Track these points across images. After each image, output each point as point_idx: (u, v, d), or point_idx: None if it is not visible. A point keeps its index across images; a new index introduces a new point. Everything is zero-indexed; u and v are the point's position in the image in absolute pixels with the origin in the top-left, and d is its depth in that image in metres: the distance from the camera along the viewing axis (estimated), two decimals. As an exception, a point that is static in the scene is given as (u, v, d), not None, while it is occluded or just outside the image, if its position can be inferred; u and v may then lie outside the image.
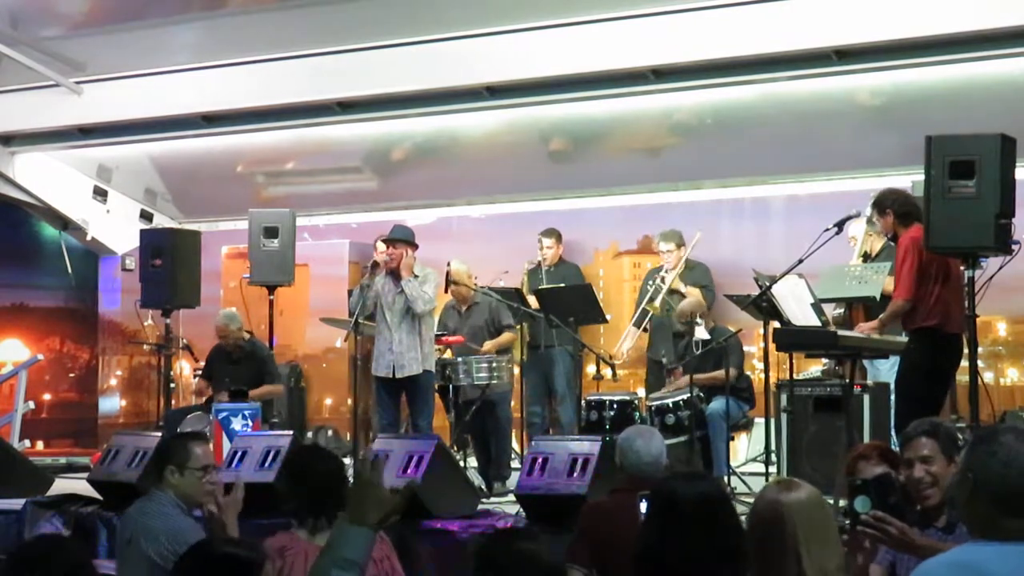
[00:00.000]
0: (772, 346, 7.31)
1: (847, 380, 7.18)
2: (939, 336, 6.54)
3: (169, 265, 9.46)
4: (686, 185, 10.53)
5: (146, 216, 12.49)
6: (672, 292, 9.43)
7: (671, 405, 8.14)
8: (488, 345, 8.77)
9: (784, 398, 7.63)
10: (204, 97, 10.66)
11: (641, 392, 9.36)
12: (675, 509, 3.05)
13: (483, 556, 3.09)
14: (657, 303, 9.39)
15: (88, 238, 12.41)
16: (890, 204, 6.79)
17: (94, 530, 7.33)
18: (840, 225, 7.18)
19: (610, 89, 9.50)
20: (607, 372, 8.75)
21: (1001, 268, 6.61)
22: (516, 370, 9.14)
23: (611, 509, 5.11)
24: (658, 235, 9.77)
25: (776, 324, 7.30)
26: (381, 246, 8.76)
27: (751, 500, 7.19)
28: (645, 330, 9.58)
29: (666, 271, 9.52)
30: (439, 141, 11.02)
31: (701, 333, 8.49)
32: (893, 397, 7.29)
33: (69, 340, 13.16)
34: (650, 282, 9.70)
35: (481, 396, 8.41)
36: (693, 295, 9.19)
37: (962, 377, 7.21)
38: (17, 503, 7.72)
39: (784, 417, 7.61)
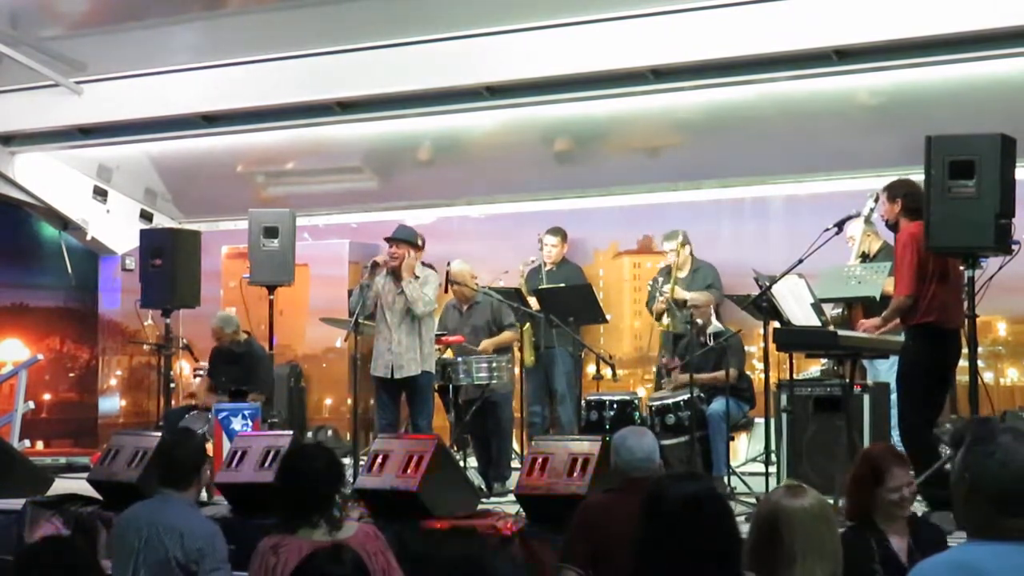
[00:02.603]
0: (772, 346, 7.30)
1: (847, 380, 7.18)
2: (938, 332, 6.53)
3: (169, 265, 9.46)
4: (686, 185, 10.53)
5: (146, 216, 12.49)
6: (679, 303, 9.37)
7: (671, 405, 8.14)
8: (486, 343, 8.74)
9: (784, 398, 7.62)
10: (204, 97, 10.67)
11: (641, 392, 9.35)
12: (664, 508, 3.05)
13: None
14: (666, 320, 9.32)
15: (88, 238, 12.41)
16: (902, 194, 6.77)
17: (94, 530, 7.33)
18: (840, 225, 7.17)
19: (610, 89, 9.50)
20: (607, 372, 8.75)
21: (1001, 268, 6.60)
22: (517, 370, 9.14)
23: (605, 508, 5.10)
24: (662, 236, 9.73)
25: (776, 324, 7.29)
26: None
27: (751, 500, 7.25)
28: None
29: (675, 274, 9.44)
30: (439, 141, 11.02)
31: (716, 325, 8.50)
32: (894, 396, 7.29)
33: (69, 340, 13.16)
34: (656, 286, 9.61)
35: (481, 396, 8.41)
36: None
37: (962, 377, 7.21)
38: (17, 503, 7.73)
39: (784, 417, 7.60)
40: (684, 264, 9.47)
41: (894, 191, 6.83)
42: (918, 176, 6.66)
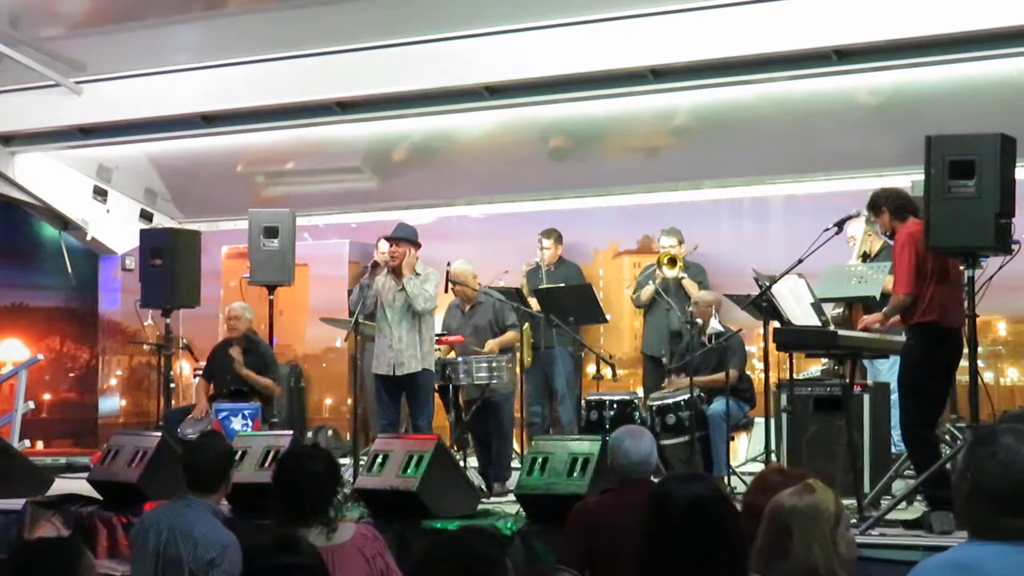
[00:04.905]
0: (772, 346, 7.30)
1: (847, 380, 7.18)
2: (938, 331, 6.53)
3: (169, 265, 9.46)
4: (686, 185, 10.54)
5: (146, 216, 12.49)
6: (678, 286, 9.40)
7: (671, 405, 8.13)
8: (491, 344, 8.74)
9: (784, 398, 7.62)
10: (204, 97, 10.67)
11: (641, 392, 9.34)
12: (668, 510, 3.04)
13: None
14: (650, 288, 9.31)
15: (88, 238, 12.41)
16: (883, 201, 6.78)
17: (94, 530, 7.33)
18: (840, 225, 7.17)
19: (609, 89, 9.50)
20: (607, 372, 8.75)
21: (1001, 268, 6.60)
22: (518, 370, 9.13)
23: (602, 509, 5.09)
24: (660, 232, 9.75)
25: (776, 324, 7.30)
26: (384, 245, 8.75)
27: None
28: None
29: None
30: (439, 141, 11.01)
31: (715, 325, 8.50)
32: (895, 396, 7.29)
33: (69, 340, 13.15)
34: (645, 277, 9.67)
35: (481, 396, 8.40)
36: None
37: (962, 377, 7.20)
38: (17, 503, 7.73)
39: (784, 417, 7.60)
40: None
41: (875, 205, 6.82)
42: (918, 176, 6.66)
